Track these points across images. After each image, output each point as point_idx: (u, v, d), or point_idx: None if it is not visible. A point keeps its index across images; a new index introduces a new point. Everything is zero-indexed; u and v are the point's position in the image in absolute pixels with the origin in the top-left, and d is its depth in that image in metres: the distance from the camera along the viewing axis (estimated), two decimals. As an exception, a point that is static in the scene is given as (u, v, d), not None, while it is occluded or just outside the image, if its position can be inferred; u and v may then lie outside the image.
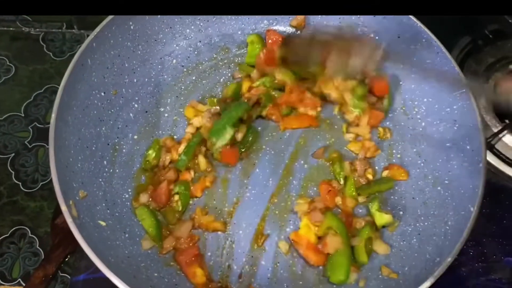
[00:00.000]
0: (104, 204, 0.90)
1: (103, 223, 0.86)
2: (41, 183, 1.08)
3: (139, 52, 1.04)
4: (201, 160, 0.98)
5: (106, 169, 0.95)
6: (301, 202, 0.95)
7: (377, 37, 1.07)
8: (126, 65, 1.02)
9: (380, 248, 0.90)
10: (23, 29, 1.31)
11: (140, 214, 0.91)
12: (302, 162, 1.01)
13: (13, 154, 1.11)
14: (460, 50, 1.21)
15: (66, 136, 0.87)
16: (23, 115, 1.17)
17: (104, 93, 0.98)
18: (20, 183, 1.07)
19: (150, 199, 0.93)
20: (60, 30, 1.32)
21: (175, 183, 0.95)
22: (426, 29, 0.98)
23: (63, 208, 0.78)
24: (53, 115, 0.84)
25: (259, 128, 1.05)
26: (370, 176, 0.98)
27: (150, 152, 0.98)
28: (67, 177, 0.84)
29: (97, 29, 0.94)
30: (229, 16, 1.11)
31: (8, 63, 1.25)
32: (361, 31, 1.08)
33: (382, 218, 0.91)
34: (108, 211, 0.90)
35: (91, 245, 0.75)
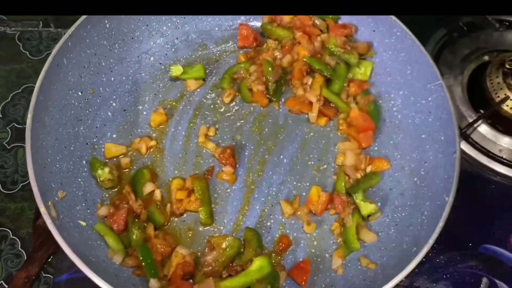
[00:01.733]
0: (84, 204, 0.90)
1: (83, 223, 0.86)
2: (21, 184, 1.07)
3: (115, 51, 1.04)
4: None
5: (86, 169, 0.94)
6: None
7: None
8: (103, 64, 1.02)
9: (367, 236, 0.91)
10: (-2, 28, 1.30)
11: (100, 229, 0.88)
12: (281, 157, 1.01)
13: (-9, 156, 1.10)
14: (436, 42, 1.23)
15: (43, 136, 0.87)
16: (0, 115, 1.16)
17: (81, 92, 0.98)
18: (-1, 185, 1.06)
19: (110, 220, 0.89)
20: (36, 29, 1.30)
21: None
22: (400, 23, 0.99)
23: (42, 209, 0.78)
24: (29, 116, 0.84)
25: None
26: (359, 175, 0.98)
27: (100, 172, 0.93)
28: (45, 178, 0.83)
29: (72, 28, 0.93)
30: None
31: (-17, 64, 1.23)
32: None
33: (367, 207, 0.93)
34: (88, 210, 0.90)
35: (72, 246, 0.75)
